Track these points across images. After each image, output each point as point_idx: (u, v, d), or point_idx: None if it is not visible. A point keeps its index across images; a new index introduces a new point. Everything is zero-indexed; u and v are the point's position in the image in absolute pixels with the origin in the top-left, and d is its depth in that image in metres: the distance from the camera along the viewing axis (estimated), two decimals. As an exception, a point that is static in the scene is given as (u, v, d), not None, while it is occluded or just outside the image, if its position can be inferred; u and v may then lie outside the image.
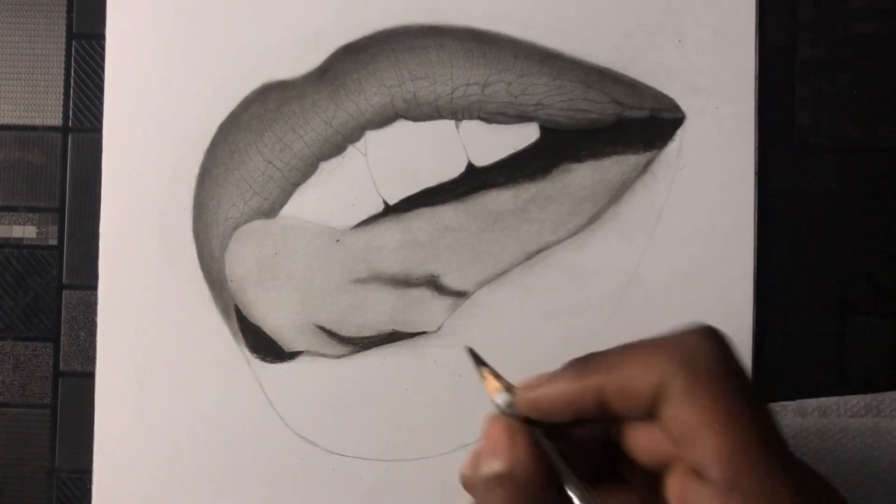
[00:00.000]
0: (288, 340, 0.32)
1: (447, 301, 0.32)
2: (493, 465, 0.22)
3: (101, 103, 0.33)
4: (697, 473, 0.20)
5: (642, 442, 0.22)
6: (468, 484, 0.24)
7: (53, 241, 0.34)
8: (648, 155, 0.32)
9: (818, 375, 0.32)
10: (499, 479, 0.22)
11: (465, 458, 0.24)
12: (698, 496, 0.20)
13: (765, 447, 0.20)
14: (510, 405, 0.23)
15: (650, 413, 0.21)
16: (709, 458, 0.20)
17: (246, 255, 0.32)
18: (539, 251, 0.32)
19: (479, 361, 0.26)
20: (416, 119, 0.32)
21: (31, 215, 0.34)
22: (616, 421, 0.23)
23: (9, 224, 0.34)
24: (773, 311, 0.32)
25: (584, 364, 0.23)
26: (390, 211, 0.32)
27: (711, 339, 0.21)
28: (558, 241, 0.32)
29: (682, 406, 0.20)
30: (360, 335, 0.32)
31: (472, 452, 0.24)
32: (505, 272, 0.32)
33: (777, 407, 0.31)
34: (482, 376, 0.25)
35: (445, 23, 0.32)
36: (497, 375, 0.25)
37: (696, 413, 0.20)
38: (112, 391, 0.33)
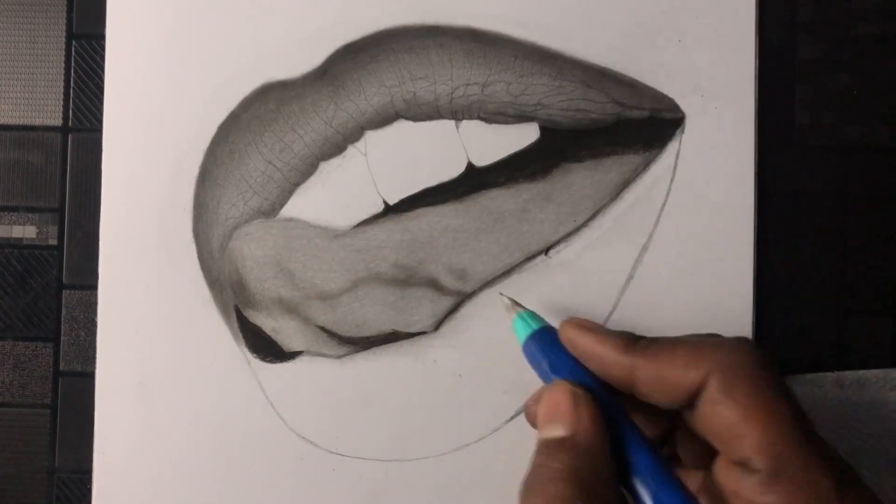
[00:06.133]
0: (288, 340, 0.32)
1: (447, 301, 0.32)
2: (556, 431, 0.23)
3: (101, 103, 0.33)
4: (741, 464, 0.21)
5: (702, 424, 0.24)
6: (532, 420, 0.25)
7: (53, 241, 0.34)
8: (648, 155, 0.32)
9: (818, 375, 0.32)
10: (560, 444, 0.22)
11: (532, 393, 0.25)
12: (745, 484, 0.21)
13: (803, 438, 0.21)
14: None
15: (682, 406, 0.23)
16: (752, 450, 0.21)
17: (246, 255, 0.32)
18: (539, 251, 0.32)
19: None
20: (416, 119, 0.32)
21: (31, 215, 0.34)
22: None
23: (9, 224, 0.34)
24: (773, 311, 0.32)
25: (633, 342, 0.24)
26: (390, 211, 0.32)
27: (748, 346, 0.23)
28: (558, 242, 0.32)
29: (722, 403, 0.22)
30: (360, 335, 0.32)
31: (538, 390, 0.25)
32: (505, 272, 0.32)
33: (815, 378, 0.31)
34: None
35: (445, 23, 0.32)
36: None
37: (737, 409, 0.22)
38: (112, 391, 0.33)
